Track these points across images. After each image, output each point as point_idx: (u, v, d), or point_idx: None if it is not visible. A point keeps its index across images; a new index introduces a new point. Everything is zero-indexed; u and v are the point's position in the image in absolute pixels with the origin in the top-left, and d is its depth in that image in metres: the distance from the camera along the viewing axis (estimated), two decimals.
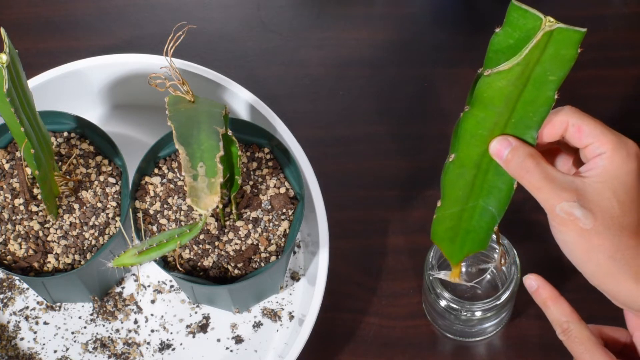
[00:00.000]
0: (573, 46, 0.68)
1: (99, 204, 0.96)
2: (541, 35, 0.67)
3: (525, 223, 1.05)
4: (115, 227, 0.96)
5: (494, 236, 0.82)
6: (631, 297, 0.74)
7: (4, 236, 0.95)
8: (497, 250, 0.94)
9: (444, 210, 0.79)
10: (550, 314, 0.79)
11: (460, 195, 0.78)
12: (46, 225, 0.95)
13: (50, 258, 0.94)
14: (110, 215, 0.96)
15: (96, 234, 0.95)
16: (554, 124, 0.74)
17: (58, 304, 1.03)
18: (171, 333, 1.02)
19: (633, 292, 0.73)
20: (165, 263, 0.93)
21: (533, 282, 0.79)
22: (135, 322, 1.02)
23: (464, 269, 1.00)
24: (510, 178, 0.76)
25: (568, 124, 0.74)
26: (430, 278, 0.95)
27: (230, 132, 0.85)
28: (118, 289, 1.03)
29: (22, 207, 0.95)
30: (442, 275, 0.87)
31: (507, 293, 0.94)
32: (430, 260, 0.95)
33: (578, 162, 0.77)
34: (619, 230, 0.72)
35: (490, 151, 0.75)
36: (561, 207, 0.72)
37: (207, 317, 1.02)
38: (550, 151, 0.78)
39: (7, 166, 0.97)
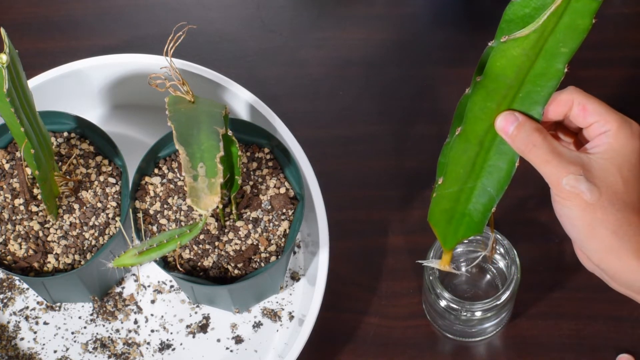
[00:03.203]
0: (589, 16, 0.69)
1: (99, 204, 0.96)
2: (561, 0, 0.67)
3: (525, 223, 1.05)
4: (115, 227, 0.96)
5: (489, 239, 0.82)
6: (632, 274, 0.74)
7: (4, 236, 0.95)
8: (490, 240, 0.94)
9: (444, 188, 0.79)
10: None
11: (461, 174, 0.78)
12: (46, 225, 0.95)
13: (50, 258, 0.94)
14: (110, 215, 0.96)
15: (96, 234, 0.95)
16: (558, 102, 0.75)
17: (58, 304, 1.03)
18: (171, 333, 1.02)
19: (634, 269, 0.73)
20: (165, 263, 0.93)
21: None
22: (135, 322, 1.02)
23: (463, 269, 1.00)
24: (512, 157, 0.76)
25: (572, 102, 0.75)
26: (430, 267, 0.94)
27: (230, 132, 0.85)
28: (118, 289, 1.03)
29: (22, 207, 0.95)
30: (432, 263, 0.87)
31: (507, 293, 0.94)
32: (431, 260, 0.95)
33: (577, 146, 0.78)
34: (622, 206, 0.73)
35: (496, 126, 0.75)
36: (567, 180, 0.73)
37: (207, 317, 1.02)
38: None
39: (7, 166, 0.97)
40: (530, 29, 0.69)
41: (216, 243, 0.94)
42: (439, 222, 0.82)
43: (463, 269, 1.00)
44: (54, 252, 0.94)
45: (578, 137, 0.78)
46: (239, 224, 0.94)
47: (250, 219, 0.94)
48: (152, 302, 1.03)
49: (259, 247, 0.93)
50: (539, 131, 0.73)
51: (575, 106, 0.75)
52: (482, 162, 0.77)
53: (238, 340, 1.01)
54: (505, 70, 0.71)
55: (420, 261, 0.90)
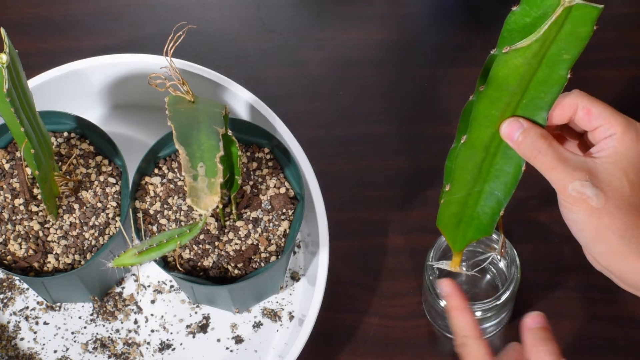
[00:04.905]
0: (589, 23, 0.69)
1: (99, 204, 0.96)
2: (561, 10, 0.67)
3: (525, 223, 1.05)
4: (115, 227, 0.96)
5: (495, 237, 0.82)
6: (639, 276, 0.74)
7: (4, 236, 0.95)
8: (497, 240, 0.94)
9: (452, 194, 0.79)
10: (454, 324, 0.80)
11: (468, 179, 0.78)
12: (46, 225, 0.95)
13: (50, 258, 0.94)
14: (110, 215, 0.96)
15: (96, 234, 0.95)
16: (563, 106, 0.75)
17: (58, 304, 1.03)
18: (171, 333, 1.02)
19: None
20: (165, 263, 0.93)
21: (446, 287, 0.81)
22: (135, 322, 1.02)
23: (464, 269, 1.00)
24: (518, 161, 0.76)
25: (577, 106, 0.75)
26: (430, 268, 0.94)
27: (230, 132, 0.85)
28: (118, 289, 1.03)
29: (22, 207, 0.95)
30: (443, 264, 0.87)
31: (507, 293, 0.94)
32: (431, 260, 0.95)
33: (583, 147, 0.78)
34: (629, 210, 0.73)
35: (501, 133, 0.75)
36: (573, 186, 0.73)
37: (207, 317, 1.02)
38: (554, 137, 0.78)
39: (7, 166, 0.97)
40: (531, 39, 0.69)
41: (216, 243, 0.94)
42: (448, 226, 0.82)
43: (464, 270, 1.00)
44: (54, 252, 0.94)
45: (583, 139, 0.78)
46: (239, 224, 0.94)
47: (250, 219, 0.94)
48: (152, 302, 1.03)
49: (259, 247, 0.93)
50: (544, 137, 0.73)
51: (580, 110, 0.75)
52: (489, 166, 0.77)
53: (238, 340, 1.01)
54: (508, 79, 0.71)
55: (431, 263, 0.90)
